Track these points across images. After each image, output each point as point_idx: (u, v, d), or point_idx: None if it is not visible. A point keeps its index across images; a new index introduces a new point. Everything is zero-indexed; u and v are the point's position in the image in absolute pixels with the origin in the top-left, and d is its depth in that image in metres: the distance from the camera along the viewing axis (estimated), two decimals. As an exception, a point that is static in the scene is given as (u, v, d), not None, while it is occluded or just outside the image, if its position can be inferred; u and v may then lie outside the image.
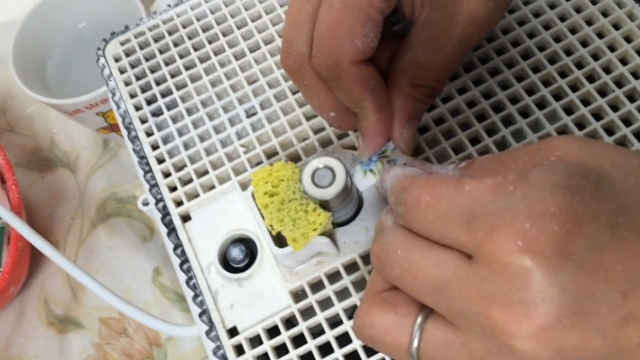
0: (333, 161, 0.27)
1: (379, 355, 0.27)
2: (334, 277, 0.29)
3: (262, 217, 0.28)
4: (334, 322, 0.29)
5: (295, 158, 0.32)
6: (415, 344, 0.20)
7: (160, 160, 0.34)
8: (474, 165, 0.22)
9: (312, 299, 0.29)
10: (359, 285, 0.29)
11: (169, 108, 0.35)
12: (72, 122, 0.59)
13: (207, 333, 0.29)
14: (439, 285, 0.19)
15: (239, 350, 0.29)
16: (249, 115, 0.34)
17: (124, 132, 0.35)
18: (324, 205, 0.28)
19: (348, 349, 0.27)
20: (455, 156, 0.30)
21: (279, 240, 0.29)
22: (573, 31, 0.32)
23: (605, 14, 0.33)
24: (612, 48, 0.32)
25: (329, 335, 0.28)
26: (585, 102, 0.31)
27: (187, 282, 0.31)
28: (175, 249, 0.31)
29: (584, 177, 0.18)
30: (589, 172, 0.18)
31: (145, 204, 0.39)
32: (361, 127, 0.27)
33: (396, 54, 0.27)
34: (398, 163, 0.28)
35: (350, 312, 0.29)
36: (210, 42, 0.36)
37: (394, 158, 0.28)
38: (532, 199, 0.17)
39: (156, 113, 0.35)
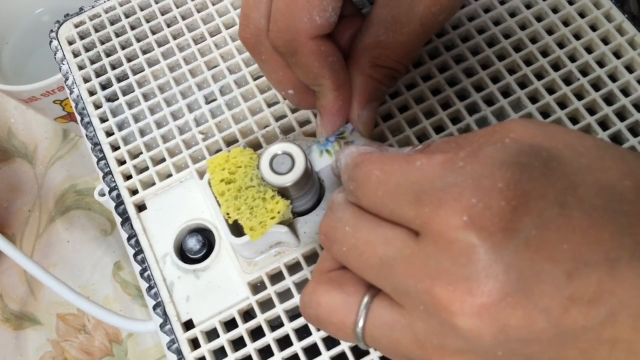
0: (292, 147, 0.26)
1: (339, 348, 0.26)
2: (294, 268, 0.28)
3: (219, 205, 0.27)
4: (294, 314, 0.28)
5: (255, 146, 0.31)
6: (360, 323, 0.20)
7: (115, 147, 0.32)
8: (430, 148, 0.22)
9: (271, 290, 0.28)
10: (320, 276, 0.28)
11: (124, 93, 0.33)
12: (31, 111, 0.57)
13: (162, 326, 0.28)
14: (384, 262, 0.19)
15: (195, 344, 0.28)
16: (208, 101, 0.32)
17: (78, 117, 0.34)
18: (283, 192, 0.27)
19: (307, 342, 0.27)
20: (419, 143, 0.30)
21: (237, 230, 0.27)
22: (539, 19, 0.32)
23: (571, 2, 0.32)
24: (577, 36, 0.31)
25: (288, 327, 0.27)
26: (550, 90, 0.30)
27: (142, 274, 0.29)
28: (129, 239, 0.30)
29: (535, 155, 0.18)
30: (540, 151, 0.18)
31: (102, 194, 0.37)
32: (319, 106, 0.26)
33: (357, 33, 0.26)
34: (357, 144, 0.27)
35: (311, 303, 0.28)
36: (169, 26, 0.35)
37: (352, 140, 0.27)
38: (480, 174, 0.17)
39: (111, 98, 0.34)
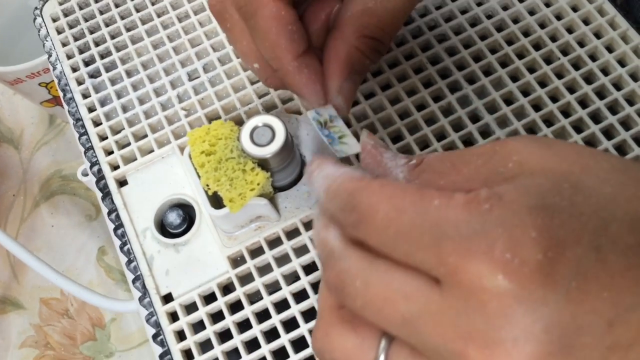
0: (273, 119, 0.26)
1: (313, 323, 0.26)
2: (274, 242, 0.28)
3: (199, 177, 0.27)
4: (273, 289, 0.28)
5: (238, 122, 0.31)
6: None
7: (97, 123, 0.32)
8: (422, 166, 0.20)
9: (250, 264, 0.28)
10: (300, 251, 0.28)
11: (107, 70, 0.33)
12: (18, 97, 0.56)
13: (141, 299, 0.28)
14: (408, 320, 0.17)
15: (173, 317, 0.28)
16: (191, 79, 0.32)
17: (61, 94, 0.34)
18: (263, 165, 0.27)
19: (286, 314, 0.27)
20: (401, 121, 0.30)
21: (217, 202, 0.27)
22: (531, 13, 0.32)
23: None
24: (569, 30, 0.32)
25: (267, 301, 0.27)
26: (531, 70, 0.31)
27: (122, 247, 0.29)
28: (109, 213, 0.30)
29: (558, 193, 0.17)
30: (561, 184, 0.17)
31: (85, 174, 0.37)
32: (288, 85, 0.25)
33: (343, 2, 0.26)
34: (333, 113, 0.26)
35: (291, 278, 0.28)
36: (153, 4, 0.35)
37: (328, 114, 0.26)
38: (509, 223, 0.16)
39: (94, 74, 0.33)
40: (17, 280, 0.51)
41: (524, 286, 0.15)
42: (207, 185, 0.26)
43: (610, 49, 0.30)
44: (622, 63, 0.30)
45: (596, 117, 0.29)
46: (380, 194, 0.18)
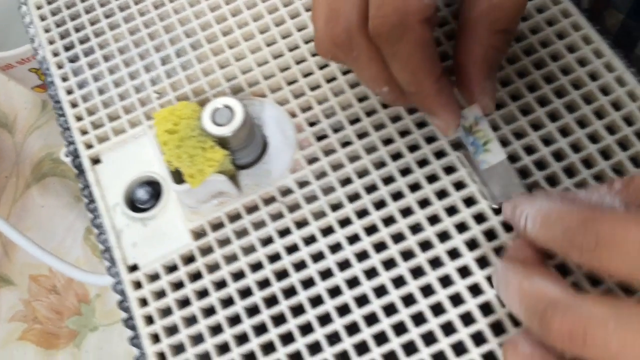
0: (233, 101, 0.28)
1: (269, 290, 0.28)
2: (234, 217, 0.30)
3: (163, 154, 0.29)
4: (231, 260, 0.29)
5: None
6: None
7: (74, 105, 0.34)
8: (635, 186, 0.20)
9: (211, 237, 0.30)
10: (258, 225, 0.30)
11: (86, 54, 0.35)
12: (12, 83, 0.58)
13: (109, 269, 0.30)
14: None
15: (138, 285, 0.29)
16: (164, 63, 0.34)
17: (45, 77, 0.36)
18: (223, 143, 0.28)
19: (241, 284, 0.28)
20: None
21: (180, 179, 0.29)
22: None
23: None
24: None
25: (225, 271, 0.29)
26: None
27: (93, 221, 0.31)
28: (83, 189, 0.32)
29: None
30: None
31: (67, 155, 0.39)
32: (426, 107, 0.25)
33: (462, 6, 0.25)
34: (479, 115, 0.26)
35: (249, 251, 0.29)
36: (131, -8, 0.37)
37: (474, 117, 0.26)
38: None
39: (73, 59, 0.35)
40: (8, 257, 0.53)
41: None
42: (170, 162, 0.28)
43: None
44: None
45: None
46: (624, 220, 0.17)
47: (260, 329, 0.28)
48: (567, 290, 0.19)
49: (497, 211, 0.28)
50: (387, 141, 0.31)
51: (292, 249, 0.29)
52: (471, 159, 0.28)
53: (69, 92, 0.34)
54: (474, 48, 0.25)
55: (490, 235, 0.28)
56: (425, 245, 0.28)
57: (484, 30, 0.25)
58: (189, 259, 0.30)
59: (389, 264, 0.28)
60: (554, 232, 0.20)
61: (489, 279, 0.27)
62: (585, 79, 0.30)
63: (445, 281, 0.27)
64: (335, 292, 0.28)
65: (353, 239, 0.29)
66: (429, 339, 0.26)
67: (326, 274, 0.28)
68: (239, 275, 0.29)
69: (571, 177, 0.28)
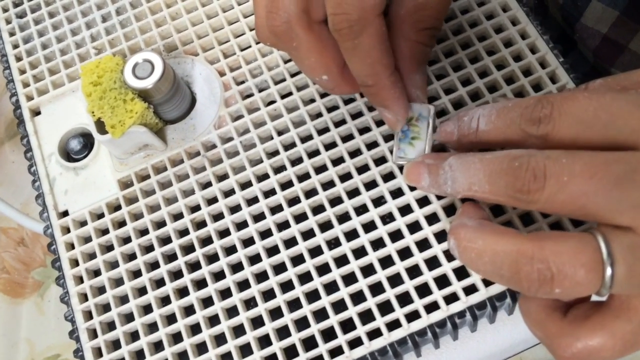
0: (153, 56, 0.29)
1: (187, 237, 0.29)
2: (160, 169, 0.32)
3: (89, 106, 0.30)
4: (155, 209, 0.31)
5: (144, 62, 0.34)
6: (608, 262, 0.19)
7: (19, 58, 0.35)
8: (591, 89, 0.22)
9: (137, 187, 0.31)
10: (181, 177, 0.31)
11: (33, 11, 0.36)
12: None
13: (41, 214, 0.32)
14: (621, 178, 0.18)
15: (67, 230, 0.31)
16: (104, 20, 0.35)
17: (-8, 32, 0.37)
18: (145, 96, 0.30)
19: (162, 231, 0.30)
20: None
21: (103, 129, 0.31)
22: None
23: None
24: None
25: (147, 219, 0.30)
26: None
27: (29, 169, 0.33)
28: (22, 138, 0.34)
29: None
30: None
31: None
32: (380, 99, 0.26)
33: (392, 4, 0.26)
34: (424, 114, 0.28)
35: (172, 201, 0.31)
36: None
37: (419, 113, 0.28)
38: None
39: (21, 15, 0.37)
40: (-21, 210, 0.55)
41: None
42: (93, 112, 0.29)
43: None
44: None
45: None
46: (574, 91, 0.21)
47: (177, 275, 0.29)
48: (525, 150, 0.21)
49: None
50: (309, 101, 0.32)
51: (211, 200, 0.31)
52: (396, 142, 0.29)
53: (15, 46, 0.36)
54: (402, 45, 0.26)
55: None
56: (335, 201, 0.29)
57: (410, 28, 0.26)
58: (115, 207, 0.31)
59: (300, 217, 0.29)
60: (512, 115, 0.21)
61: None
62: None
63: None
64: (248, 242, 0.29)
65: (269, 193, 0.30)
66: (348, 279, 0.28)
67: (241, 225, 0.30)
68: (160, 224, 0.31)
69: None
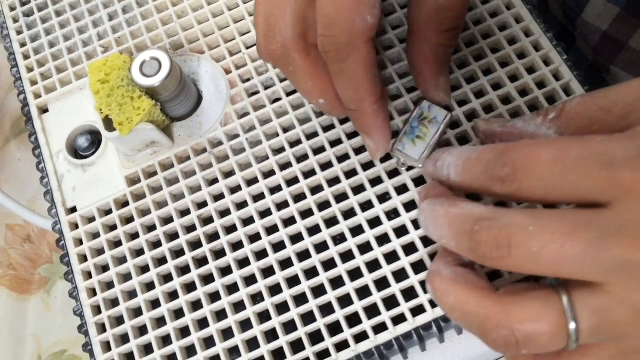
0: (160, 54, 0.29)
1: (194, 233, 0.30)
2: (167, 166, 0.32)
3: (97, 104, 0.30)
4: (161, 204, 0.31)
5: (150, 60, 0.34)
6: (572, 325, 0.19)
7: (26, 57, 0.36)
8: (566, 114, 0.21)
9: (144, 184, 0.31)
10: (188, 174, 0.31)
11: (40, 9, 0.37)
12: (-3, 40, 0.60)
13: (49, 210, 0.32)
14: (594, 246, 0.17)
15: (75, 226, 0.31)
16: (111, 19, 0.36)
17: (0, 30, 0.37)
18: (152, 94, 0.30)
19: (169, 227, 0.30)
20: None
21: (111, 127, 0.31)
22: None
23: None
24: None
25: (154, 215, 0.31)
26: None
27: (37, 166, 0.33)
28: (30, 136, 0.34)
29: None
30: None
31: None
32: (361, 125, 0.26)
33: (411, 6, 0.26)
34: (439, 119, 0.28)
35: (179, 197, 0.31)
36: (86, -50, 0.38)
37: (434, 116, 0.28)
38: None
39: (28, 14, 0.37)
40: (-14, 208, 0.55)
41: None
42: (100, 110, 0.30)
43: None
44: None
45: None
46: (536, 144, 0.19)
47: (184, 270, 0.30)
48: (490, 207, 0.20)
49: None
50: (315, 98, 0.32)
51: (218, 197, 0.31)
52: (401, 134, 0.29)
53: (23, 44, 0.36)
54: (425, 49, 0.26)
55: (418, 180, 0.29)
56: (340, 198, 0.30)
57: (432, 32, 0.26)
58: (122, 204, 0.32)
59: (306, 214, 0.30)
60: (476, 171, 0.21)
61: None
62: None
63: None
64: (255, 238, 0.30)
65: (275, 189, 0.30)
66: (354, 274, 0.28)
67: (248, 221, 0.30)
68: (167, 220, 0.31)
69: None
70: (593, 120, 0.20)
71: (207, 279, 0.30)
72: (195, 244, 0.30)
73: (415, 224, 0.28)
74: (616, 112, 0.19)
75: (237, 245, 0.30)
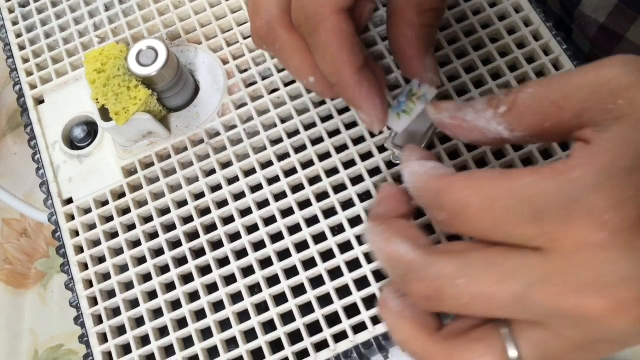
0: (157, 43, 0.29)
1: (192, 224, 0.30)
2: (164, 157, 0.32)
3: (93, 94, 0.30)
4: (159, 196, 0.31)
5: (147, 51, 0.34)
6: (514, 354, 0.19)
7: (22, 47, 0.35)
8: (517, 109, 0.19)
9: (141, 174, 0.31)
10: (185, 165, 0.31)
11: (36, 0, 0.36)
12: (-7, 34, 0.60)
13: (45, 202, 0.32)
14: (521, 295, 0.18)
15: (71, 217, 0.31)
16: (107, 9, 0.35)
17: (-5, 21, 0.37)
18: (149, 84, 0.30)
19: (166, 218, 0.30)
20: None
21: (107, 117, 0.31)
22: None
23: None
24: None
25: (151, 206, 0.30)
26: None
27: (33, 157, 0.33)
28: (26, 127, 0.34)
29: None
30: None
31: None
32: (348, 99, 0.25)
33: None
34: (429, 97, 0.27)
35: (176, 188, 0.31)
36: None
37: (423, 94, 0.27)
38: (604, 186, 0.17)
39: (24, 4, 0.37)
40: (-18, 202, 0.55)
41: (626, 239, 0.16)
42: (97, 99, 0.29)
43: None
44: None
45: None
46: (466, 189, 0.19)
47: (181, 261, 0.30)
48: (422, 252, 0.20)
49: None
50: (313, 88, 0.32)
51: (215, 188, 0.31)
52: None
53: (18, 35, 0.36)
54: (407, 30, 0.25)
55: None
56: (339, 188, 0.29)
57: (413, 12, 0.25)
58: (119, 195, 0.31)
59: (304, 204, 0.29)
60: (420, 202, 0.21)
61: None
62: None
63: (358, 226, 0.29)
64: (252, 228, 0.30)
65: (273, 180, 0.30)
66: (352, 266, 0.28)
67: (245, 212, 0.30)
68: (164, 211, 0.31)
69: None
70: (545, 117, 0.19)
71: (205, 270, 0.29)
72: (193, 235, 0.30)
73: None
74: (569, 109, 0.18)
75: (234, 237, 0.29)
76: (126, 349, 0.29)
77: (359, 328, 0.27)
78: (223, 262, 0.29)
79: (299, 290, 0.28)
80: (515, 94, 0.20)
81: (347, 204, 0.29)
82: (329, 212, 0.29)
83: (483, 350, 0.19)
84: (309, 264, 0.28)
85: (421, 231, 0.21)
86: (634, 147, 0.17)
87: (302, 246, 0.29)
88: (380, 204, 0.23)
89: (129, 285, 0.30)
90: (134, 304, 0.29)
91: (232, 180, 0.31)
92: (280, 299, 0.28)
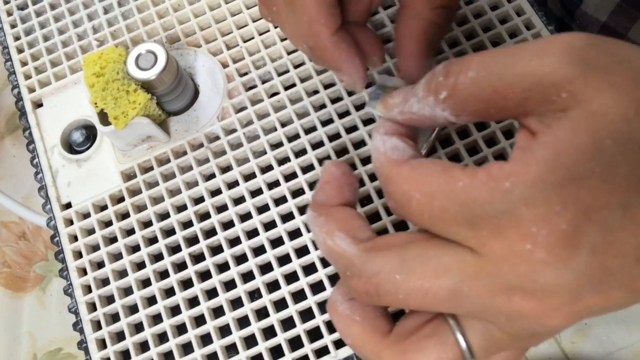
0: (156, 47, 0.29)
1: (191, 229, 0.29)
2: (163, 161, 0.31)
3: (92, 98, 0.30)
4: (158, 201, 0.31)
5: (146, 54, 0.34)
6: (463, 344, 0.19)
7: (20, 50, 0.35)
8: (458, 95, 0.19)
9: (140, 179, 0.31)
10: (185, 169, 0.31)
11: (34, 2, 0.36)
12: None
13: (44, 206, 0.31)
14: (454, 292, 0.18)
15: (70, 222, 0.31)
16: (106, 12, 0.35)
17: (-7, 24, 0.37)
18: (148, 88, 0.29)
19: (165, 223, 0.30)
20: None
21: (106, 121, 0.30)
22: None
23: None
24: None
25: (150, 211, 0.30)
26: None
27: (32, 161, 0.33)
28: (24, 130, 0.33)
29: (595, 158, 0.16)
30: (602, 143, 0.16)
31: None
32: (328, 62, 0.25)
33: None
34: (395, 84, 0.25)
35: (175, 193, 0.31)
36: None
37: (392, 86, 0.26)
38: (534, 200, 0.17)
39: (22, 7, 0.36)
40: (-20, 205, 0.55)
41: (552, 251, 0.17)
42: (95, 103, 0.29)
43: None
44: (499, 10, 0.32)
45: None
46: (410, 182, 0.19)
47: (181, 267, 0.29)
48: (362, 247, 0.20)
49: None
50: (313, 92, 0.31)
51: (215, 192, 0.30)
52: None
53: (17, 38, 0.36)
54: (413, 23, 0.25)
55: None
56: (340, 192, 0.29)
57: (424, 6, 0.25)
58: (118, 199, 0.31)
59: (304, 209, 0.29)
60: (379, 180, 0.21)
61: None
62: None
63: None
64: (252, 234, 0.29)
65: (273, 184, 0.30)
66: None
67: (245, 217, 0.30)
68: (164, 216, 0.30)
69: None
70: (489, 104, 0.19)
71: (204, 275, 0.29)
72: (192, 240, 0.30)
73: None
74: (512, 98, 0.18)
75: (234, 242, 0.29)
76: (125, 355, 0.28)
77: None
78: (223, 267, 0.29)
79: (299, 296, 0.28)
80: (455, 76, 0.19)
81: (348, 209, 0.29)
82: (330, 217, 0.29)
83: (435, 346, 0.19)
84: (310, 269, 0.28)
85: (364, 221, 0.21)
86: (572, 154, 0.17)
87: (302, 251, 0.28)
88: (322, 189, 0.22)
89: (128, 291, 0.30)
90: (133, 309, 0.29)
91: (232, 185, 0.30)
92: (280, 304, 0.28)
